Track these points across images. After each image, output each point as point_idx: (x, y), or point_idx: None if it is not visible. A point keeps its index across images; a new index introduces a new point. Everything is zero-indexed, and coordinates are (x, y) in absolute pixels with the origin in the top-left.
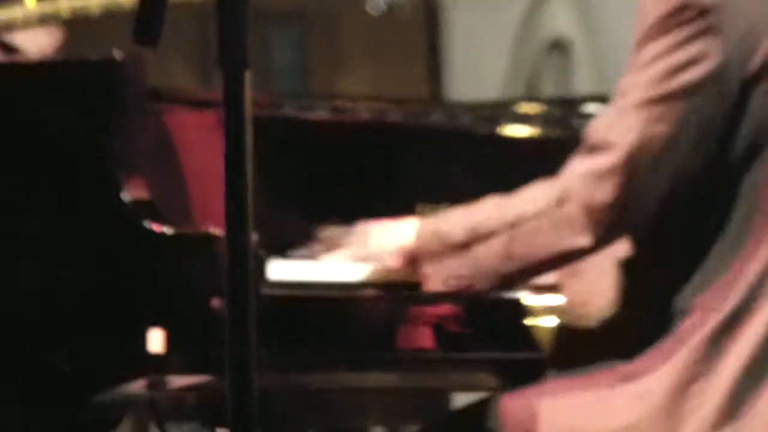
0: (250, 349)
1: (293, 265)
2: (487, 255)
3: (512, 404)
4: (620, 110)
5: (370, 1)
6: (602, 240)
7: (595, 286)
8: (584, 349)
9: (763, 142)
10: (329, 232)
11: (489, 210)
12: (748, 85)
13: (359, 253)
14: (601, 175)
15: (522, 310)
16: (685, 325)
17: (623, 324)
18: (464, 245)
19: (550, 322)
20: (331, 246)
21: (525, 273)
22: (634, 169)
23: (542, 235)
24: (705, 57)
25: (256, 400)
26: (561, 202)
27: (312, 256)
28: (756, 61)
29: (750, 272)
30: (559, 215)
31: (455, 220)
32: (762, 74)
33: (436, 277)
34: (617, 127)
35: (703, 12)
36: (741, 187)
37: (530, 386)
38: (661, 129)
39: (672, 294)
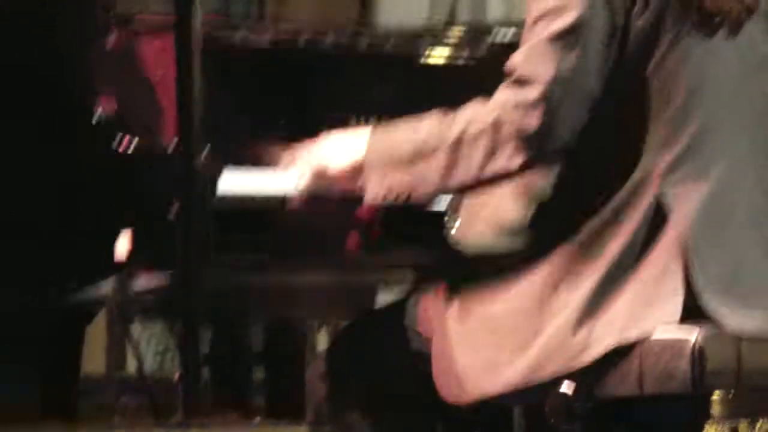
0: (197, 252)
1: (243, 176)
2: (430, 169)
3: (422, 303)
4: (535, 45)
5: None
6: (531, 162)
7: (491, 189)
8: (471, 263)
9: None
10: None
11: (433, 128)
12: (630, 19)
13: (309, 165)
14: (528, 105)
15: (438, 219)
16: (561, 231)
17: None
18: (410, 160)
19: None
20: (287, 158)
21: (460, 187)
22: (555, 97)
23: (479, 155)
24: None
25: (203, 299)
26: (496, 126)
27: (267, 167)
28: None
29: (622, 190)
30: (495, 138)
31: (403, 136)
32: (639, 12)
33: (378, 187)
34: (536, 62)
35: None
36: (636, 105)
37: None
38: (571, 57)
39: (567, 205)
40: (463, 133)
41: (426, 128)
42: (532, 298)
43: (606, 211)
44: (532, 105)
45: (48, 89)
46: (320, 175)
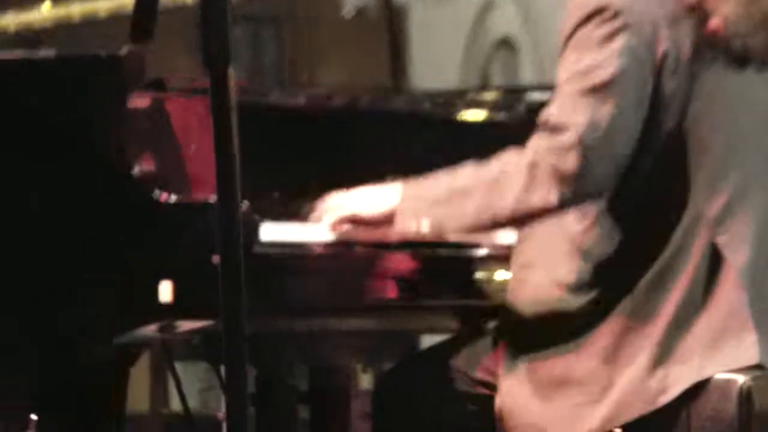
0: (241, 298)
1: (282, 227)
2: (465, 206)
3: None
4: (567, 97)
5: (343, 8)
6: (566, 201)
7: (542, 250)
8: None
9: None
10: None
11: (469, 172)
12: (657, 72)
13: (340, 212)
14: (563, 149)
15: (474, 265)
16: (620, 282)
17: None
18: (446, 199)
19: (500, 275)
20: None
21: (494, 224)
22: (590, 142)
23: (516, 191)
24: (624, 49)
25: (246, 342)
26: (532, 167)
27: (305, 220)
28: (659, 52)
29: (674, 237)
30: (532, 176)
31: (437, 181)
32: (663, 63)
33: (409, 220)
34: (568, 112)
35: (617, 13)
36: (678, 157)
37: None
38: (604, 110)
39: (616, 262)
40: (499, 173)
41: (461, 174)
42: (599, 349)
43: (662, 259)
44: (567, 148)
45: (85, 150)
46: (351, 222)
